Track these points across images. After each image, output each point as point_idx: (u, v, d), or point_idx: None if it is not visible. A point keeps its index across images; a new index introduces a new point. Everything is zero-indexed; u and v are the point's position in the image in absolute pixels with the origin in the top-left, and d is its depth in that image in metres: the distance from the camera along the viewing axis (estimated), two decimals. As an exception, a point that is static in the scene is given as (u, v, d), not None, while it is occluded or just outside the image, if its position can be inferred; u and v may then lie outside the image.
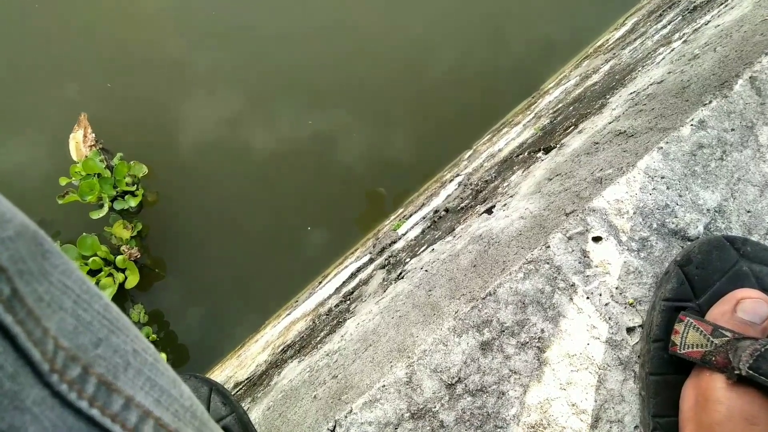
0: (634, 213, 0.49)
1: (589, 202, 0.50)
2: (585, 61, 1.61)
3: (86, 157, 1.76)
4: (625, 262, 0.49)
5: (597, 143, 0.61)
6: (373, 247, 1.44)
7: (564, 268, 0.49)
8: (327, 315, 1.02)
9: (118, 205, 1.77)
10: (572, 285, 0.49)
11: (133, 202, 1.78)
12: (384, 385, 0.51)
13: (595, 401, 0.49)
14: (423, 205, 1.47)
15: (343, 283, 1.27)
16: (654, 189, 0.49)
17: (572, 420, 0.49)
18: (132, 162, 1.78)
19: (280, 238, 1.77)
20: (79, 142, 1.80)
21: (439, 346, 0.51)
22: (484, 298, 0.50)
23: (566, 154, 0.66)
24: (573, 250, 0.50)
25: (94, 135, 1.79)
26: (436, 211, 1.16)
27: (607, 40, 1.67)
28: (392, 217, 1.75)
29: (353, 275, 1.26)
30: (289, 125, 1.83)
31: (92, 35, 1.90)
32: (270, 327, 1.62)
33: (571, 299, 0.49)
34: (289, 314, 1.54)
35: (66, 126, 1.79)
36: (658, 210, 0.49)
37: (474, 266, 0.57)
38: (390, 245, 1.29)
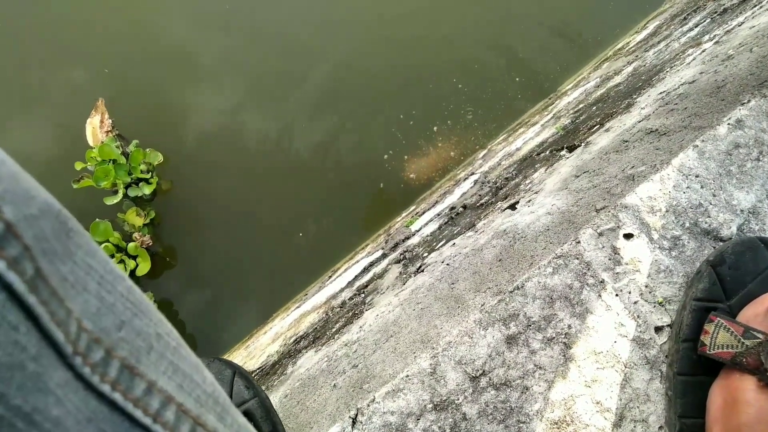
0: (667, 211, 0.49)
1: (622, 199, 0.50)
2: (605, 63, 1.60)
3: (102, 142, 1.77)
4: (656, 260, 0.49)
5: (626, 141, 0.61)
6: (386, 242, 1.44)
7: (594, 264, 0.49)
8: (341, 307, 1.02)
9: (132, 192, 1.78)
10: (601, 281, 0.49)
11: (147, 190, 1.78)
12: (407, 375, 0.51)
13: (620, 400, 0.49)
14: (437, 202, 1.47)
15: (356, 277, 1.27)
16: (688, 187, 0.49)
17: (596, 418, 0.49)
18: (148, 149, 1.79)
19: (290, 230, 1.77)
20: (96, 128, 1.81)
21: (465, 338, 0.50)
22: (511, 292, 0.50)
23: (593, 152, 0.66)
24: (603, 247, 0.49)
25: (111, 121, 1.80)
26: (452, 208, 1.16)
27: (628, 42, 1.66)
28: (404, 214, 1.74)
29: (366, 269, 1.26)
30: (298, 120, 1.83)
31: (107, 23, 1.91)
32: (279, 319, 1.62)
33: (600, 296, 0.49)
34: (298, 307, 1.54)
35: (84, 111, 1.80)
36: (692, 209, 0.49)
37: (499, 260, 0.57)
38: (404, 241, 1.29)
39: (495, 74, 1.84)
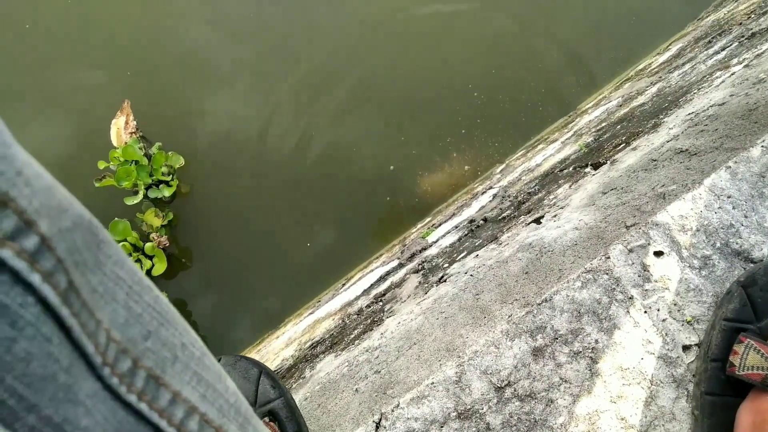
0: (698, 230, 0.49)
1: (653, 216, 0.50)
2: (626, 83, 1.61)
3: (126, 143, 1.79)
4: (685, 278, 0.49)
5: (655, 160, 0.61)
6: (401, 253, 1.45)
7: (623, 280, 0.49)
8: (358, 315, 1.02)
9: (152, 194, 1.80)
10: (630, 298, 0.49)
11: (167, 192, 1.80)
12: (433, 383, 0.51)
13: (645, 417, 0.49)
14: (454, 214, 1.47)
15: (372, 286, 1.27)
16: (720, 208, 0.49)
17: (620, 434, 0.49)
18: (170, 152, 1.81)
19: (303, 237, 1.78)
20: (121, 129, 1.84)
21: (491, 349, 0.51)
22: (539, 304, 0.50)
23: (621, 170, 0.66)
24: (633, 263, 0.50)
25: (135, 123, 1.83)
26: (472, 221, 1.16)
27: (650, 63, 1.67)
28: (419, 226, 1.75)
29: (382, 278, 1.27)
30: (315, 129, 1.85)
31: (130, 27, 1.95)
32: (291, 324, 1.62)
33: (629, 312, 0.49)
34: (312, 313, 1.54)
35: (110, 113, 1.83)
36: (723, 229, 0.49)
37: (526, 273, 0.57)
38: (420, 251, 1.29)
39: (515, 91, 1.85)
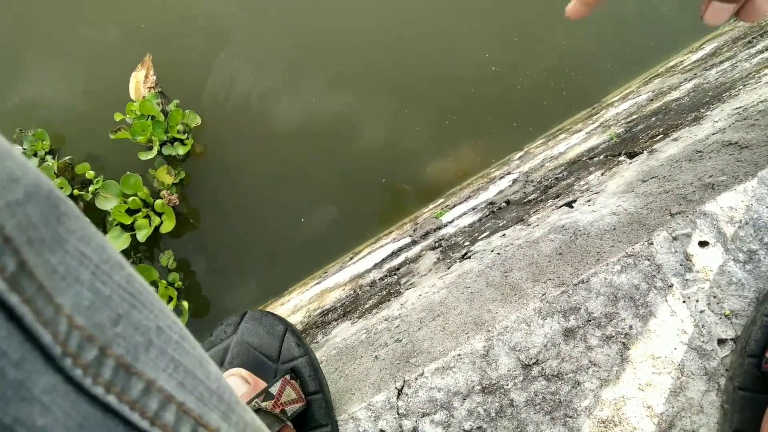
0: (746, 223, 0.48)
1: (701, 206, 0.49)
2: (656, 78, 1.58)
3: (144, 97, 1.77)
4: (728, 271, 0.48)
5: (700, 152, 0.60)
6: (413, 231, 1.44)
7: (665, 267, 0.48)
8: (371, 286, 1.01)
9: (166, 151, 1.79)
10: (670, 286, 0.48)
11: (181, 150, 1.79)
12: (459, 354, 0.50)
13: (672, 407, 0.48)
14: (469, 197, 1.46)
15: (383, 260, 1.27)
16: (771, 202, 0.48)
17: (645, 422, 0.48)
18: (187, 111, 1.79)
19: (312, 209, 1.77)
20: (140, 82, 1.82)
21: (522, 326, 0.50)
22: (575, 285, 0.49)
23: (661, 159, 0.65)
24: (676, 251, 0.48)
25: (155, 77, 1.81)
26: (491, 203, 1.15)
27: (682, 61, 1.64)
28: (431, 206, 1.74)
29: (395, 253, 1.26)
30: (332, 102, 1.82)
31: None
32: (297, 293, 1.62)
33: (666, 300, 0.48)
34: (318, 283, 1.54)
35: (131, 66, 1.81)
36: (772, 224, 0.48)
37: (559, 254, 0.56)
38: (435, 230, 1.28)
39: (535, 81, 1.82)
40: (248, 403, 0.48)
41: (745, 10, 0.35)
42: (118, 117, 1.76)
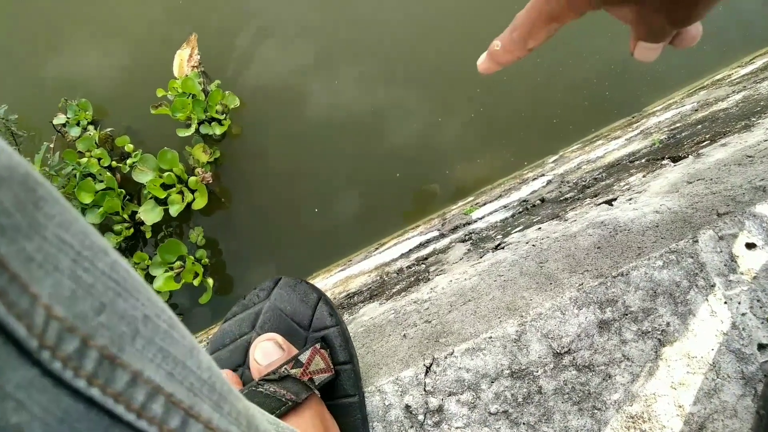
0: (797, 228, 0.47)
1: (751, 207, 0.48)
2: (701, 91, 1.55)
3: (187, 75, 1.80)
4: (774, 275, 0.47)
5: (751, 156, 0.58)
6: (442, 225, 1.44)
7: (708, 266, 0.47)
8: (398, 273, 1.02)
9: (204, 129, 1.82)
10: (712, 286, 0.47)
11: (218, 130, 1.82)
12: (491, 337, 0.50)
13: (705, 409, 0.47)
14: (501, 196, 1.46)
15: (410, 250, 1.27)
16: (825, 208, 0.47)
17: (675, 421, 0.47)
18: (227, 92, 1.82)
19: (341, 198, 1.78)
20: (184, 60, 1.85)
21: (556, 313, 0.50)
22: (614, 277, 0.49)
23: (708, 163, 0.64)
24: (721, 251, 0.48)
25: (199, 57, 1.84)
26: (524, 201, 1.14)
27: (730, 74, 1.61)
28: (459, 203, 1.73)
29: (423, 245, 1.26)
30: (370, 92, 1.83)
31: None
32: (321, 278, 1.63)
33: (707, 300, 0.47)
34: (342, 270, 1.55)
35: (176, 45, 1.84)
36: (824, 231, 0.47)
37: (598, 248, 0.55)
38: (464, 225, 1.28)
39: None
40: (278, 369, 0.48)
41: (679, 38, 0.34)
42: (160, 93, 1.80)
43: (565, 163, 1.50)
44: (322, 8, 1.90)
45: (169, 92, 1.78)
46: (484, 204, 1.46)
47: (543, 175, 1.46)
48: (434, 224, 1.54)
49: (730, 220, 0.48)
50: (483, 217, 1.26)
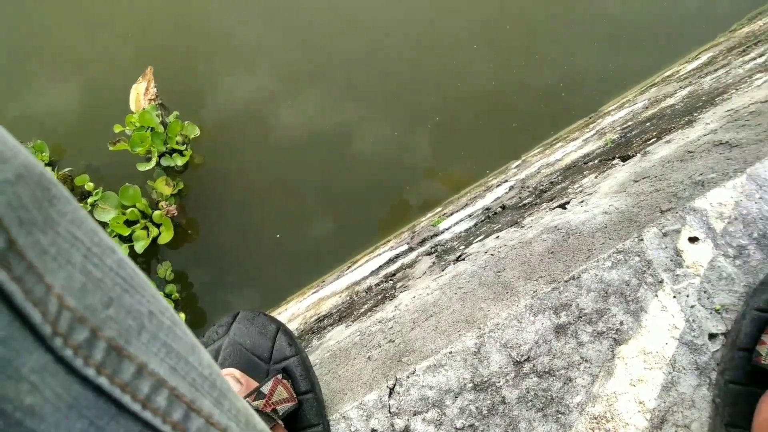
0: (736, 219, 0.48)
1: (690, 202, 0.49)
2: (652, 88, 1.59)
3: (144, 109, 1.79)
4: (718, 266, 0.48)
5: (691, 152, 0.60)
6: (411, 238, 1.44)
7: (655, 263, 0.48)
8: (367, 292, 1.01)
9: (165, 162, 1.79)
10: (660, 281, 0.48)
11: (179, 161, 1.80)
12: (451, 352, 0.50)
13: (664, 402, 0.48)
14: (467, 204, 1.47)
15: (380, 267, 1.27)
16: (760, 198, 0.48)
17: (637, 417, 0.48)
18: (186, 122, 1.80)
19: (310, 220, 1.78)
20: (140, 94, 1.83)
21: (513, 322, 0.50)
22: (566, 281, 0.50)
23: (653, 161, 0.65)
24: (666, 247, 0.49)
25: (156, 90, 1.82)
26: (487, 209, 1.15)
27: (678, 71, 1.65)
28: (429, 215, 1.74)
29: (392, 260, 1.26)
30: (329, 112, 1.84)
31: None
32: (294, 302, 1.62)
33: (657, 296, 0.48)
34: (316, 292, 1.54)
35: (131, 79, 1.82)
36: (762, 220, 0.48)
37: (551, 252, 0.56)
38: (432, 237, 1.28)
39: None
40: (240, 402, 0.48)
41: None
42: (117, 129, 1.77)
43: (526, 167, 1.52)
44: (278, 31, 1.90)
45: (127, 127, 1.76)
46: (451, 214, 1.47)
47: (506, 181, 1.48)
48: (404, 238, 1.55)
49: (672, 216, 0.49)
50: (449, 227, 1.27)
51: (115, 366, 0.22)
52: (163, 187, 1.81)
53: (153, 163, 1.79)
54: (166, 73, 1.86)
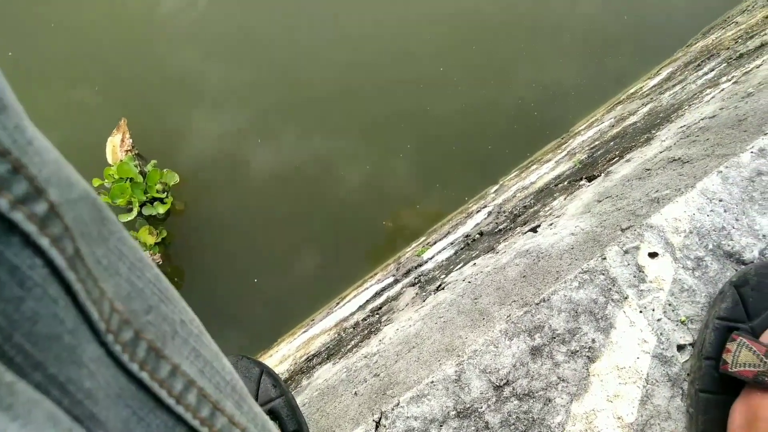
0: (691, 232, 0.50)
1: (647, 219, 0.51)
2: (618, 105, 1.64)
3: (121, 161, 1.80)
4: (679, 279, 0.50)
5: (649, 170, 0.63)
6: (396, 270, 1.46)
7: (619, 280, 0.50)
8: (354, 328, 1.02)
9: (146, 211, 1.80)
10: (626, 297, 0.50)
11: (161, 209, 1.80)
12: (432, 381, 0.51)
13: (641, 416, 0.49)
14: (449, 233, 1.49)
15: (367, 301, 1.28)
16: (711, 211, 0.51)
17: (617, 433, 0.49)
18: (165, 170, 1.82)
19: (295, 259, 1.79)
20: (116, 146, 1.85)
21: (490, 348, 0.51)
22: (537, 304, 0.51)
23: (615, 180, 0.68)
24: (629, 264, 0.51)
25: (131, 140, 1.84)
26: (467, 236, 1.17)
27: (641, 87, 1.71)
28: (413, 245, 1.76)
29: (378, 294, 1.27)
30: (307, 151, 1.86)
31: (121, 49, 1.97)
32: (285, 343, 1.62)
33: (624, 312, 0.50)
34: (305, 331, 1.54)
35: (105, 130, 1.84)
36: (715, 231, 0.51)
37: (523, 276, 0.58)
38: (416, 267, 1.30)
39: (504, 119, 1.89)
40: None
41: None
42: (96, 182, 1.78)
43: (504, 192, 1.56)
44: (250, 70, 1.94)
45: (106, 180, 1.77)
46: (435, 243, 1.49)
47: (485, 206, 1.51)
48: (390, 270, 1.56)
49: (631, 234, 0.51)
50: (432, 257, 1.28)
51: (154, 364, 0.26)
52: (147, 236, 1.81)
53: (134, 213, 1.80)
54: (140, 123, 1.88)
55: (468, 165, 1.85)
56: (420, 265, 1.30)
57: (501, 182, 1.83)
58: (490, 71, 1.91)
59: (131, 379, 0.25)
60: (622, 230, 0.53)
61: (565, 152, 1.45)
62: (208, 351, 0.30)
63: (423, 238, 1.80)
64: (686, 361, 0.49)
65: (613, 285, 0.51)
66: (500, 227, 0.93)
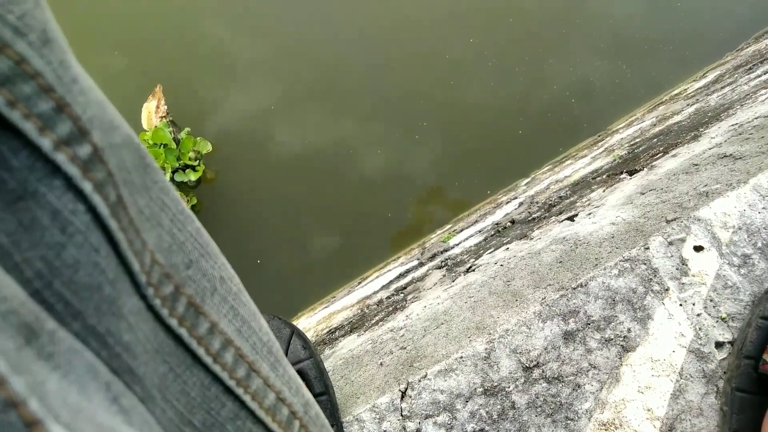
0: (740, 228, 0.49)
1: (695, 212, 0.50)
2: (660, 106, 1.61)
3: (156, 127, 1.82)
4: (723, 275, 0.49)
5: (697, 164, 0.61)
6: (421, 254, 1.46)
7: (661, 271, 0.50)
8: (378, 305, 1.03)
9: (178, 177, 1.83)
10: (667, 289, 0.49)
11: (193, 177, 1.83)
12: (462, 357, 0.51)
13: (672, 410, 0.49)
14: (477, 221, 1.48)
15: (391, 282, 1.28)
16: (764, 208, 0.49)
17: (645, 425, 0.49)
18: (198, 138, 1.84)
19: (321, 235, 1.80)
20: (151, 112, 1.87)
21: (522, 328, 0.51)
22: (574, 289, 0.51)
23: (660, 174, 0.67)
24: (672, 256, 0.50)
25: (166, 107, 1.86)
26: (497, 224, 1.17)
27: (686, 89, 1.67)
28: (438, 232, 1.75)
29: (402, 275, 1.27)
30: (343, 130, 1.86)
31: (161, 21, 1.99)
32: (305, 317, 1.63)
33: (664, 304, 0.49)
34: (326, 307, 1.55)
35: (141, 97, 1.86)
36: (765, 229, 0.49)
37: (560, 262, 0.57)
38: (442, 252, 1.30)
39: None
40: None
41: None
42: (133, 145, 1.81)
43: (536, 184, 1.54)
44: (284, 50, 1.94)
45: (143, 143, 1.80)
46: (462, 230, 1.49)
47: (516, 197, 1.49)
48: (414, 254, 1.56)
49: (677, 225, 0.50)
50: (460, 243, 1.28)
51: (193, 320, 0.25)
52: (177, 202, 1.83)
53: (167, 178, 1.82)
54: (176, 91, 1.90)
55: (499, 158, 1.83)
56: (446, 250, 1.29)
57: (532, 175, 1.81)
58: (532, 71, 1.88)
59: (170, 335, 0.24)
60: (668, 221, 0.52)
61: (602, 149, 1.43)
62: (246, 310, 0.29)
63: (449, 226, 1.79)
64: (724, 359, 0.48)
65: (654, 276, 0.50)
66: (534, 216, 0.92)
